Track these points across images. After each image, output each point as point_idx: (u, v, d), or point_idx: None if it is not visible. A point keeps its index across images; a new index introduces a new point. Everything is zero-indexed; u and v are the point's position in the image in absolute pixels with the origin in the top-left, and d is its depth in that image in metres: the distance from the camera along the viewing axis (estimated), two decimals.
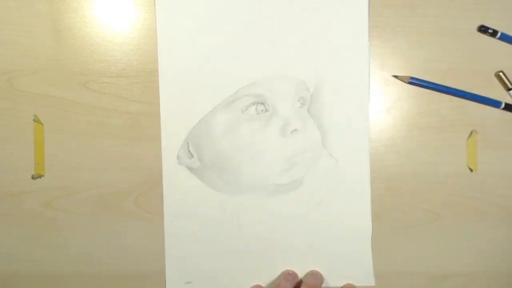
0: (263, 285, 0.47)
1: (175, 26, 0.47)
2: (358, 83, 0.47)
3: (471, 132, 0.47)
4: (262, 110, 0.46)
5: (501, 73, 0.46)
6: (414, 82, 0.46)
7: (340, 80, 0.46)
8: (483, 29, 0.46)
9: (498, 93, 0.47)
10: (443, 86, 0.46)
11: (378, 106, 0.47)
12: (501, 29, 0.47)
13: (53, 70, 0.47)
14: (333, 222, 0.47)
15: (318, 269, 0.47)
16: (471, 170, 0.47)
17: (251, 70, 0.47)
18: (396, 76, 0.45)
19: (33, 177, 0.47)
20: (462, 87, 0.47)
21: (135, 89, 0.47)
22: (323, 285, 0.47)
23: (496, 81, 0.47)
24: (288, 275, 0.47)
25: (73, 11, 0.47)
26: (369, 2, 0.47)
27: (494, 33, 0.46)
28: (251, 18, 0.47)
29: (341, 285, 0.47)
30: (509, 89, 0.47)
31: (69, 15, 0.47)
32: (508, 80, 0.46)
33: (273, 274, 0.48)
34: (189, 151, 0.47)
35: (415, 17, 0.47)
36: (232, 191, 0.47)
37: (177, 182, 0.47)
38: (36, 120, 0.47)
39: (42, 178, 0.47)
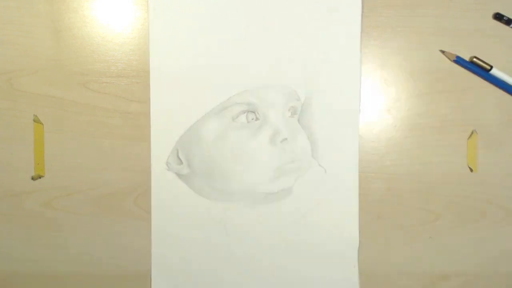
0: None
1: (168, 32, 0.46)
2: (349, 94, 0.47)
3: (471, 132, 0.47)
4: (252, 119, 0.46)
5: (474, 59, 0.46)
6: (460, 62, 0.46)
7: (331, 91, 0.46)
8: (498, 17, 0.46)
9: (498, 92, 0.47)
10: (485, 73, 0.46)
11: (378, 106, 0.47)
12: None
13: (53, 70, 0.47)
14: (321, 231, 0.47)
15: (304, 276, 0.47)
16: (471, 170, 0.47)
17: (243, 78, 0.47)
18: (443, 51, 0.46)
19: (33, 178, 0.47)
20: (461, 87, 0.47)
21: (135, 89, 0.47)
22: None
23: None
24: None
25: (73, 11, 0.47)
26: (362, 12, 0.47)
27: (508, 22, 0.46)
28: (244, 27, 0.47)
29: None
30: (488, 70, 0.46)
31: (69, 15, 0.47)
32: (485, 63, 0.46)
33: (260, 280, 0.48)
34: (178, 157, 0.47)
35: (415, 17, 0.47)
36: (220, 198, 0.47)
37: (166, 188, 0.47)
38: (36, 120, 0.47)
39: (42, 178, 0.47)
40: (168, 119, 0.47)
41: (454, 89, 0.47)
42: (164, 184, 0.47)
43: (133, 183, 0.47)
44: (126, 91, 0.47)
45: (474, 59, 0.46)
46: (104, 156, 0.47)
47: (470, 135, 0.47)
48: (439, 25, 0.47)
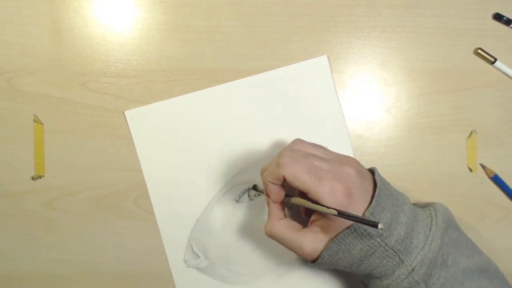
0: None
1: (153, 147, 0.47)
2: (341, 148, 0.47)
3: (471, 132, 0.47)
4: (255, 195, 0.47)
5: (479, 50, 0.46)
6: (497, 180, 0.47)
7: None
8: (497, 17, 0.46)
9: (497, 92, 0.47)
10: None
11: (378, 106, 0.48)
12: None
13: (53, 70, 0.47)
14: None
15: None
16: (471, 170, 0.47)
17: (237, 160, 0.47)
18: (483, 166, 0.46)
19: (33, 178, 0.47)
20: (462, 87, 0.47)
21: (135, 89, 0.47)
22: None
23: (495, 81, 0.47)
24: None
25: (73, 11, 0.47)
26: (331, 73, 0.47)
27: (508, 22, 0.46)
28: (228, 121, 0.47)
29: None
30: (492, 63, 0.46)
31: (69, 15, 0.47)
32: (489, 54, 0.46)
33: None
34: (194, 252, 0.47)
35: (415, 17, 0.47)
36: (245, 279, 0.47)
37: (190, 285, 0.47)
38: (36, 120, 0.47)
39: (42, 178, 0.47)
40: (175, 220, 0.47)
41: (454, 89, 0.47)
42: (186, 281, 0.47)
43: (133, 183, 0.47)
44: (126, 91, 0.47)
45: (479, 51, 0.46)
46: (104, 156, 0.47)
47: (470, 135, 0.47)
48: (439, 25, 0.47)
